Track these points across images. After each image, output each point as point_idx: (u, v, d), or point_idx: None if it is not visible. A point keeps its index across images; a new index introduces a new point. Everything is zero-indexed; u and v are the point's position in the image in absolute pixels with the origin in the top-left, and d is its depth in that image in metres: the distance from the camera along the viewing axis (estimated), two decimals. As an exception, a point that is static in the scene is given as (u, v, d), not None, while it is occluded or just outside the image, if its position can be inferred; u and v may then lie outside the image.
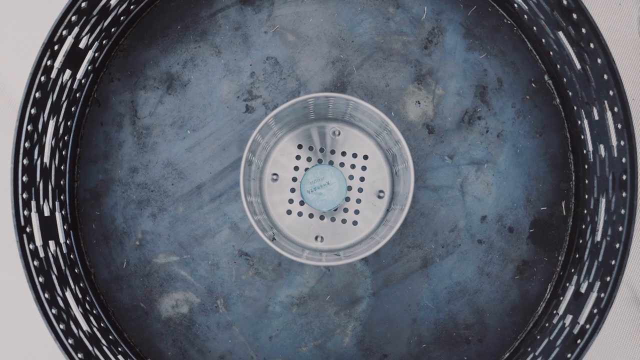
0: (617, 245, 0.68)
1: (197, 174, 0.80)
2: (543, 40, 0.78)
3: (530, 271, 0.80)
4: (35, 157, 0.70)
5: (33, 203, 0.70)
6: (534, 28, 0.78)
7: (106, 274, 0.80)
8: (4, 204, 0.81)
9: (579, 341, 0.68)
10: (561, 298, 0.76)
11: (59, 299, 0.70)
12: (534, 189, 0.80)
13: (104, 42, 0.78)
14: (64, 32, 0.70)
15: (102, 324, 0.77)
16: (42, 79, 0.69)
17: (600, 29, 0.67)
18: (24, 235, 0.68)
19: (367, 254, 0.70)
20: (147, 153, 0.80)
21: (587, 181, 0.76)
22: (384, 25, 0.81)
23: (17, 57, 0.83)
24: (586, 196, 0.76)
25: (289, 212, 0.80)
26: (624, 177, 0.68)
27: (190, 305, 0.79)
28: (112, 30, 0.78)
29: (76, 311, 0.72)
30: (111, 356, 0.74)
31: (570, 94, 0.77)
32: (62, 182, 0.77)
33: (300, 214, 0.80)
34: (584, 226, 0.76)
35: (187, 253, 0.80)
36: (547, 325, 0.76)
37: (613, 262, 0.68)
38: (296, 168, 0.81)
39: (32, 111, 0.69)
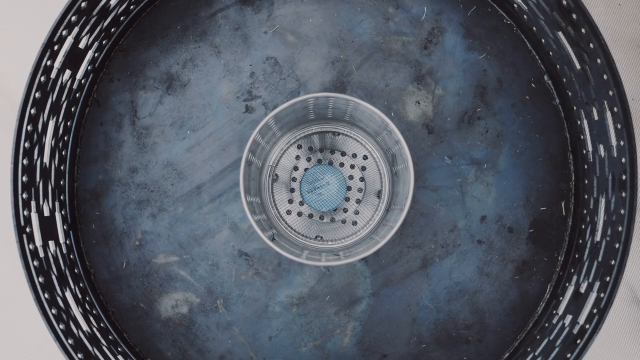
0: (617, 245, 0.68)
1: (197, 174, 0.80)
2: (543, 41, 0.78)
3: (530, 271, 0.80)
4: (35, 157, 0.70)
5: (33, 203, 0.70)
6: (534, 28, 0.78)
7: (106, 274, 0.80)
8: (4, 204, 0.81)
9: (578, 341, 0.68)
10: (561, 298, 0.76)
11: (58, 299, 0.70)
12: (534, 189, 0.80)
13: (104, 42, 0.78)
14: (64, 32, 0.70)
15: (101, 324, 0.77)
16: (42, 79, 0.69)
17: (599, 29, 0.67)
18: (24, 235, 0.68)
19: (367, 254, 0.70)
20: (146, 153, 0.80)
21: (586, 181, 0.76)
22: (384, 26, 0.81)
23: (17, 57, 0.83)
24: (586, 196, 0.76)
25: (288, 212, 0.80)
26: (624, 177, 0.68)
27: (190, 305, 0.79)
28: (112, 30, 0.78)
29: (76, 311, 0.72)
30: (111, 356, 0.74)
31: (569, 94, 0.77)
32: (61, 182, 0.77)
33: (300, 214, 0.80)
34: (583, 226, 0.77)
35: (187, 253, 0.80)
36: (546, 325, 0.76)
37: (613, 262, 0.68)
38: (296, 168, 0.81)
39: (32, 111, 0.69)
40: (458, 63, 0.80)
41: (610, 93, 0.68)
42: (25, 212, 0.69)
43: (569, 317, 0.72)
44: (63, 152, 0.77)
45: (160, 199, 0.80)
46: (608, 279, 0.68)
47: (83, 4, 0.70)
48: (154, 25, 0.81)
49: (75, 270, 0.77)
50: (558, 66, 0.77)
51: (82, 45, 0.74)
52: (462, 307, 0.79)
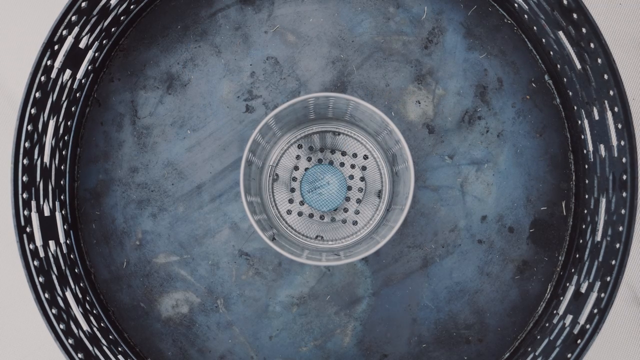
0: (618, 245, 0.68)
1: (197, 174, 0.80)
2: (543, 40, 0.78)
3: (531, 271, 0.80)
4: (35, 157, 0.70)
5: (33, 203, 0.70)
6: (534, 28, 0.78)
7: (106, 274, 0.80)
8: (4, 204, 0.81)
9: (579, 341, 0.68)
10: (561, 298, 0.76)
11: (59, 299, 0.70)
12: (534, 189, 0.80)
13: (104, 42, 0.78)
14: (64, 32, 0.70)
15: (102, 324, 0.77)
16: (42, 78, 0.69)
17: (600, 29, 0.67)
18: (24, 235, 0.68)
19: (367, 254, 0.70)
20: (147, 153, 0.80)
21: (587, 181, 0.76)
22: (384, 25, 0.81)
23: (17, 57, 0.83)
24: (586, 196, 0.76)
25: (289, 211, 0.80)
26: (624, 177, 0.68)
27: (190, 305, 0.79)
28: (112, 30, 0.78)
29: (76, 311, 0.72)
30: (111, 356, 0.74)
31: (570, 93, 0.77)
32: (62, 182, 0.77)
33: (300, 214, 0.80)
34: (584, 226, 0.76)
35: (187, 253, 0.80)
36: (547, 325, 0.76)
37: (613, 262, 0.68)
38: (296, 168, 0.81)
39: (32, 111, 0.69)
40: (458, 63, 0.80)
41: (611, 93, 0.68)
42: (26, 212, 0.69)
43: (569, 317, 0.72)
44: (63, 152, 0.77)
45: (161, 198, 0.80)
46: (609, 279, 0.68)
47: (83, 4, 0.70)
48: (155, 24, 0.81)
49: (76, 270, 0.77)
50: (559, 66, 0.77)
51: (82, 45, 0.74)
52: (462, 307, 0.79)
